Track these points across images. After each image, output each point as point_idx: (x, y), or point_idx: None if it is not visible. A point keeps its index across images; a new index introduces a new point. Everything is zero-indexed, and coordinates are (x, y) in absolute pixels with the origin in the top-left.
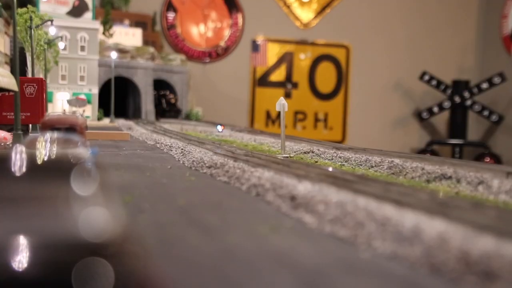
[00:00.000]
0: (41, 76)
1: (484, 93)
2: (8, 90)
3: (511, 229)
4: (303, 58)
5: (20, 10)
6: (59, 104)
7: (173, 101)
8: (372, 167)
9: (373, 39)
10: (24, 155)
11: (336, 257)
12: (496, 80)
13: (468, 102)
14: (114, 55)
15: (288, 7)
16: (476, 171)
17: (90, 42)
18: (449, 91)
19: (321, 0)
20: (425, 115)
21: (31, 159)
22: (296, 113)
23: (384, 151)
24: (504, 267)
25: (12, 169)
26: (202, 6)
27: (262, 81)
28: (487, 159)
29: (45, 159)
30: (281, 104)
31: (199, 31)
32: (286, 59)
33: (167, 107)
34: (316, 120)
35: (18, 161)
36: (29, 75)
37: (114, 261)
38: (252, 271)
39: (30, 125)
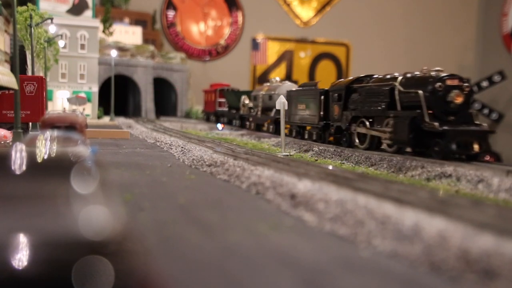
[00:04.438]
0: (41, 74)
1: (484, 91)
2: (8, 88)
3: (511, 227)
4: (303, 56)
5: (20, 9)
6: (59, 102)
7: (459, 99)
8: (372, 165)
9: (373, 37)
10: (24, 153)
11: (336, 255)
12: (496, 78)
13: None
14: (114, 53)
15: (288, 5)
16: (476, 169)
17: (90, 40)
18: None
19: None
20: None
21: (31, 157)
22: None
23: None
24: (504, 265)
25: (12, 167)
26: (202, 5)
27: (262, 79)
28: (487, 157)
29: (45, 157)
30: (281, 102)
31: (199, 29)
32: (286, 57)
33: (445, 113)
34: None
35: (18, 159)
36: (29, 73)
37: (114, 259)
38: (252, 269)
39: (30, 123)
